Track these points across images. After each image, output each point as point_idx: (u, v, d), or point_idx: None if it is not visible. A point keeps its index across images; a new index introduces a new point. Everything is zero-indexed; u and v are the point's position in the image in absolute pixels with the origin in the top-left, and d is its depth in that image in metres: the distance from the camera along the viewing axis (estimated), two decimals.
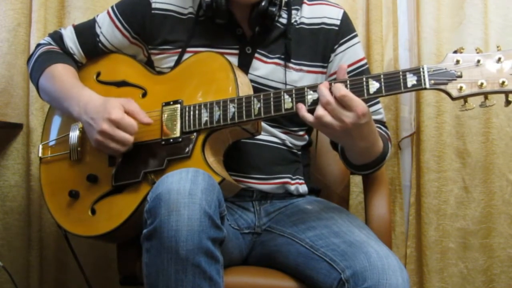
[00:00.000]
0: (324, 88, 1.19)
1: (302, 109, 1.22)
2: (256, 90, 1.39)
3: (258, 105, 1.28)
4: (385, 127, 1.51)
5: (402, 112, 1.98)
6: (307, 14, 1.49)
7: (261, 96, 1.28)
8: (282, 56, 1.45)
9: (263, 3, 1.38)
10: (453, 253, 1.94)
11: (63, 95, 1.43)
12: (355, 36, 1.51)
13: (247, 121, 1.30)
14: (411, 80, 1.18)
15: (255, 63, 1.45)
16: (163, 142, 1.35)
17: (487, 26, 1.93)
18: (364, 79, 1.21)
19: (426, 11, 1.93)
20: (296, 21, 1.48)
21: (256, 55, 1.45)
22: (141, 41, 1.49)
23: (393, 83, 1.19)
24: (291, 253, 1.34)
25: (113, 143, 1.32)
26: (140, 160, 1.35)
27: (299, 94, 1.25)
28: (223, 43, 1.44)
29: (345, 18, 1.50)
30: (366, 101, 1.20)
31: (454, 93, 1.16)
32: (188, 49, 1.44)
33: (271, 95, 1.27)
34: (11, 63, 1.92)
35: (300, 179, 1.53)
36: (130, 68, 1.49)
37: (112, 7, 1.52)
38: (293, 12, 1.47)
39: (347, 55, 1.49)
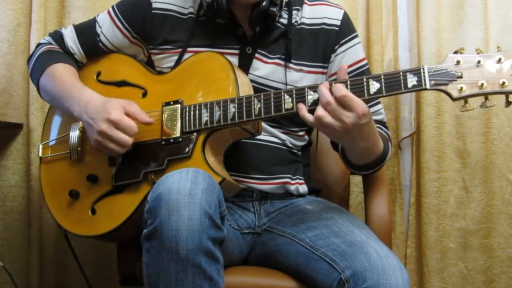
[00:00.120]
0: (324, 89, 1.19)
1: (303, 109, 1.22)
2: (256, 90, 1.39)
3: (259, 105, 1.28)
4: (386, 127, 1.51)
5: (402, 112, 1.98)
6: (308, 15, 1.49)
7: (262, 96, 1.28)
8: (283, 56, 1.45)
9: (264, 3, 1.38)
10: (453, 253, 1.94)
11: (64, 94, 1.43)
12: (356, 36, 1.51)
13: (248, 121, 1.29)
14: (412, 80, 1.18)
15: (256, 63, 1.45)
16: (163, 142, 1.35)
17: (487, 26, 1.93)
18: (365, 79, 1.21)
19: (426, 11, 1.93)
20: (296, 21, 1.48)
21: (257, 55, 1.45)
22: (141, 41, 1.49)
23: (393, 83, 1.19)
24: (291, 253, 1.34)
25: (112, 143, 1.32)
26: (140, 160, 1.35)
27: (299, 94, 1.25)
28: (223, 43, 1.44)
29: (346, 19, 1.50)
30: (366, 101, 1.20)
31: (455, 93, 1.17)
32: (189, 49, 1.44)
33: (272, 95, 1.27)
34: (11, 63, 1.92)
35: (300, 179, 1.53)
36: (130, 68, 1.49)
37: (112, 7, 1.52)
38: (294, 12, 1.47)
39: (348, 56, 1.49)
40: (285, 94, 1.26)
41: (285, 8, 1.46)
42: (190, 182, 1.13)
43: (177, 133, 1.34)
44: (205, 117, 1.32)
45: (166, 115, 1.36)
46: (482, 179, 1.95)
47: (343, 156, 1.42)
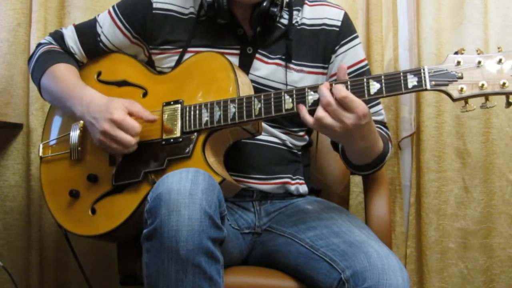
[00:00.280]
0: (325, 89, 1.19)
1: (303, 110, 1.22)
2: (256, 90, 1.39)
3: (259, 105, 1.28)
4: (386, 127, 1.51)
5: (402, 112, 1.98)
6: (308, 15, 1.49)
7: (262, 97, 1.28)
8: (283, 57, 1.45)
9: (264, 4, 1.38)
10: (453, 253, 1.94)
11: (66, 94, 1.43)
12: (356, 37, 1.51)
13: (248, 121, 1.29)
14: (412, 81, 1.18)
15: (256, 63, 1.45)
16: (164, 142, 1.35)
17: (487, 26, 1.93)
18: (365, 80, 1.21)
19: (426, 11, 1.93)
20: (297, 22, 1.48)
21: (257, 55, 1.45)
22: (142, 41, 1.49)
23: (393, 84, 1.19)
24: (291, 253, 1.34)
25: (115, 143, 1.32)
26: (141, 160, 1.35)
27: (299, 95, 1.25)
28: (224, 43, 1.44)
29: (346, 19, 1.50)
30: (366, 102, 1.20)
31: (455, 94, 1.16)
32: (189, 49, 1.44)
33: (272, 95, 1.27)
34: (11, 63, 1.92)
35: (300, 179, 1.53)
36: (130, 68, 1.49)
37: (113, 7, 1.52)
38: (294, 13, 1.47)
39: (348, 56, 1.49)
40: (286, 94, 1.26)
41: (286, 9, 1.46)
42: (190, 182, 1.13)
43: (177, 133, 1.34)
44: (205, 117, 1.32)
45: (166, 115, 1.36)
46: (482, 179, 1.95)
47: (343, 157, 1.42)
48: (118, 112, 1.31)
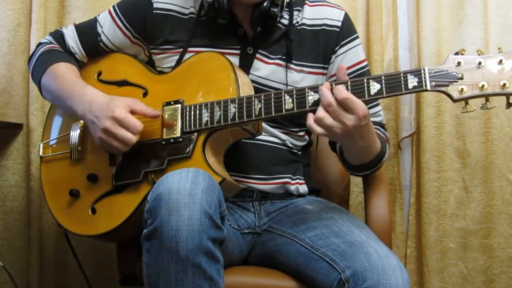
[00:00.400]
0: (325, 90, 1.19)
1: (310, 119, 1.21)
2: (257, 90, 1.38)
3: (259, 106, 1.28)
4: (384, 129, 1.51)
5: (402, 112, 1.98)
6: (309, 15, 1.49)
7: (262, 97, 1.28)
8: (284, 57, 1.45)
9: (265, 4, 1.38)
10: (453, 253, 1.94)
11: (66, 94, 1.43)
12: (356, 38, 1.51)
13: (248, 121, 1.29)
14: (412, 81, 1.18)
15: (256, 63, 1.45)
16: (164, 142, 1.35)
17: (487, 26, 1.93)
18: (365, 80, 1.21)
19: (426, 11, 1.93)
20: (297, 22, 1.48)
21: (258, 55, 1.45)
22: (142, 41, 1.49)
23: (394, 84, 1.19)
24: (291, 253, 1.34)
25: (116, 141, 1.32)
26: (141, 160, 1.35)
27: (300, 95, 1.25)
28: (224, 43, 1.44)
29: (347, 20, 1.50)
30: (366, 102, 1.20)
31: (455, 95, 1.16)
32: (189, 49, 1.44)
33: (272, 95, 1.27)
34: (11, 63, 1.92)
35: (300, 179, 1.53)
36: (131, 67, 1.49)
37: (113, 7, 1.52)
38: (295, 13, 1.47)
39: (348, 57, 1.49)
40: (286, 94, 1.26)
41: (286, 9, 1.46)
42: (190, 182, 1.13)
43: (178, 133, 1.34)
44: (206, 117, 1.32)
45: (166, 115, 1.36)
46: (482, 179, 1.95)
47: (341, 158, 1.42)
48: (119, 110, 1.32)
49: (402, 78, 1.19)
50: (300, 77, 1.46)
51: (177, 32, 1.46)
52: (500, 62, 1.14)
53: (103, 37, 1.51)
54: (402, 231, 1.98)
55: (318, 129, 1.20)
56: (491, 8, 1.94)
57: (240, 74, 1.36)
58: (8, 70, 1.92)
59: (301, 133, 1.53)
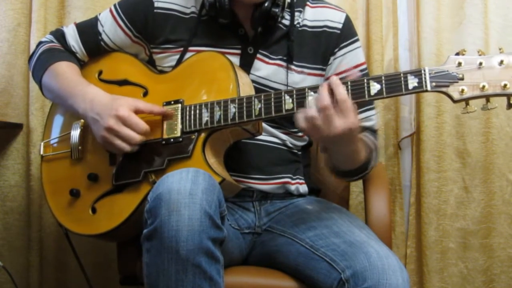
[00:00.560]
0: (324, 92, 1.17)
1: (301, 112, 1.20)
2: (257, 90, 1.39)
3: (259, 106, 1.28)
4: (375, 135, 1.48)
5: (402, 112, 1.98)
6: (310, 17, 1.48)
7: (262, 97, 1.28)
8: (284, 58, 1.45)
9: (266, 4, 1.38)
10: (453, 253, 1.95)
11: (68, 92, 1.43)
12: (356, 40, 1.51)
13: (248, 121, 1.29)
14: (413, 82, 1.18)
15: (257, 63, 1.45)
16: (164, 142, 1.35)
17: (487, 26, 1.93)
18: (365, 80, 1.21)
19: (426, 11, 1.94)
20: (298, 23, 1.48)
21: (258, 55, 1.45)
22: (143, 40, 1.49)
23: (394, 85, 1.19)
24: (291, 253, 1.34)
25: (119, 140, 1.32)
26: (141, 160, 1.35)
27: (300, 95, 1.25)
28: (225, 43, 1.44)
29: (347, 22, 1.50)
30: (363, 103, 1.19)
31: (456, 95, 1.16)
32: (190, 49, 1.44)
33: (272, 95, 1.27)
34: (11, 63, 1.92)
35: (300, 179, 1.53)
36: (131, 67, 1.49)
37: (114, 6, 1.52)
38: (296, 14, 1.47)
39: (347, 59, 1.48)
40: (286, 94, 1.26)
41: (288, 9, 1.46)
42: (190, 182, 1.13)
43: (178, 133, 1.34)
44: (206, 117, 1.32)
45: None
46: (482, 179, 1.95)
47: (329, 162, 1.41)
48: (123, 108, 1.32)
49: (402, 78, 1.19)
50: (300, 78, 1.46)
51: (178, 32, 1.46)
52: (501, 62, 1.14)
53: (104, 36, 1.51)
54: (402, 231, 1.98)
55: (303, 124, 1.19)
56: (491, 8, 1.94)
57: (241, 74, 1.36)
58: (8, 70, 1.92)
59: (301, 133, 1.53)
